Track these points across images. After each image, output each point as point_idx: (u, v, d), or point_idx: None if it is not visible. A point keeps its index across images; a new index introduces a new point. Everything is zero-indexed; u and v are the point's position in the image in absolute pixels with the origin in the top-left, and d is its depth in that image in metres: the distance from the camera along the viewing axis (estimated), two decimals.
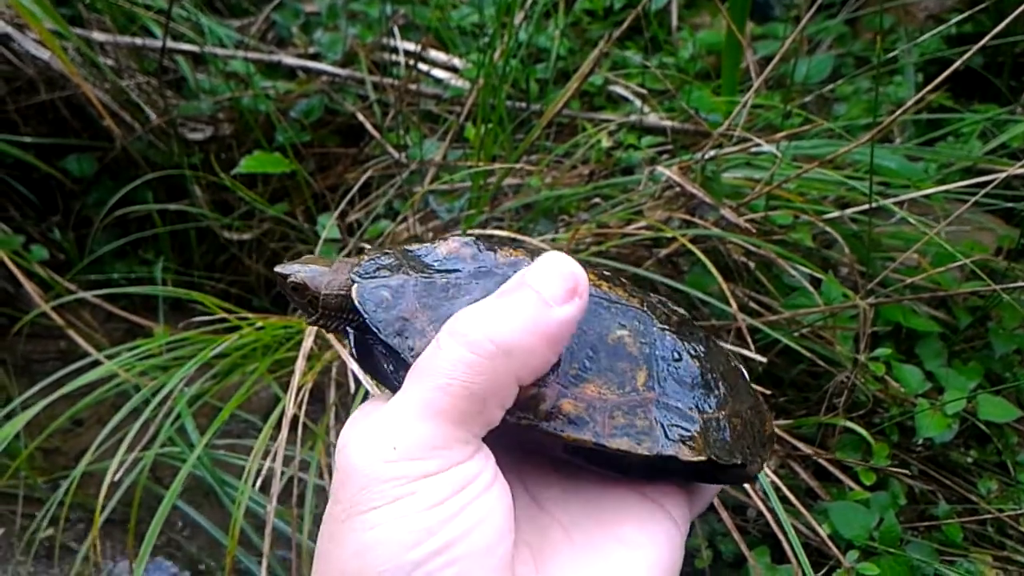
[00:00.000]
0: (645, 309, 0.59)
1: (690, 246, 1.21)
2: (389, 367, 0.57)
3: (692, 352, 0.59)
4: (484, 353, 0.50)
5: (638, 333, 0.57)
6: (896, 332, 1.32)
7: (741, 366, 0.64)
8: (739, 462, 0.57)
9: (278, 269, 0.60)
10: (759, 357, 1.16)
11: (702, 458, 0.55)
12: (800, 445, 1.19)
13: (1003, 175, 1.23)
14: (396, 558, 0.48)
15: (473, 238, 0.59)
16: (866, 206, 1.30)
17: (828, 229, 1.30)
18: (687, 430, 0.55)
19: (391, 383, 0.57)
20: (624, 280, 0.61)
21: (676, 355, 0.58)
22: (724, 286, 1.18)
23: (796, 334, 1.26)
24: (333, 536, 0.50)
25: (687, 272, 1.30)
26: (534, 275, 0.52)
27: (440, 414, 0.50)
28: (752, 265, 1.30)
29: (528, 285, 0.52)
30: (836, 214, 1.35)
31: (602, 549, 0.55)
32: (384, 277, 0.57)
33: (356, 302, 0.56)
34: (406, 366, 0.53)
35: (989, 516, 1.17)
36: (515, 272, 0.55)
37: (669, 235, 1.22)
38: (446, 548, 0.48)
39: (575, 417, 0.54)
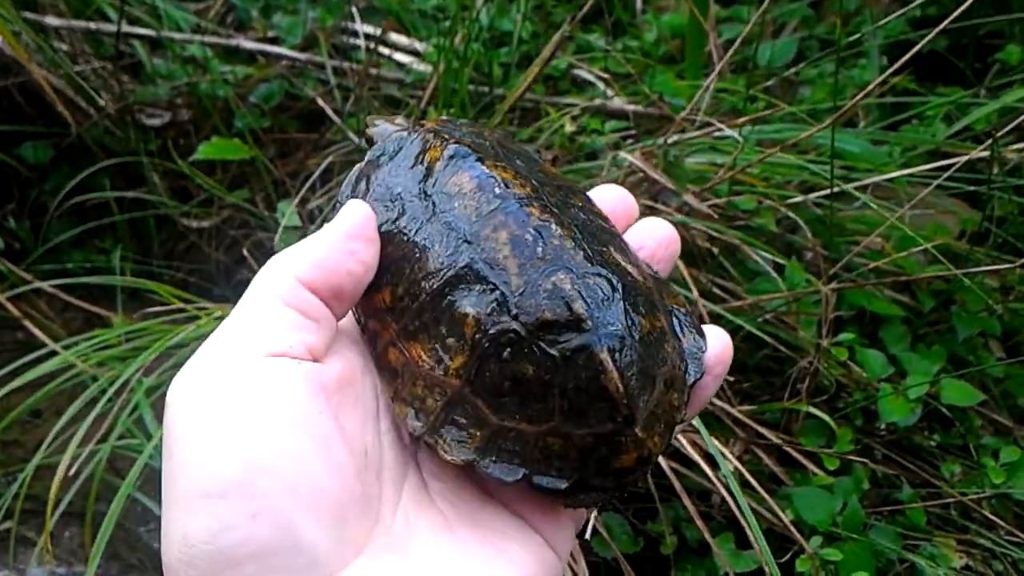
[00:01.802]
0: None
1: None
2: None
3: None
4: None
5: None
6: (860, 317, 1.32)
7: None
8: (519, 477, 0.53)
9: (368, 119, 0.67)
10: None
11: (457, 461, 0.53)
12: (763, 431, 1.18)
13: (965, 158, 1.23)
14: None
15: (480, 170, 0.59)
16: (829, 190, 1.30)
17: (791, 214, 1.30)
18: (468, 435, 0.54)
19: None
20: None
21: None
22: (686, 272, 1.17)
23: (759, 320, 1.26)
24: None
25: None
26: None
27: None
28: (715, 251, 1.29)
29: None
30: (799, 199, 1.34)
31: (478, 553, 0.54)
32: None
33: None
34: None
35: (952, 500, 1.17)
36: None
37: None
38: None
39: (392, 368, 0.55)
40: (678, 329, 0.60)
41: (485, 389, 0.52)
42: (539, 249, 0.53)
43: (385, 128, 0.65)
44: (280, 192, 1.65)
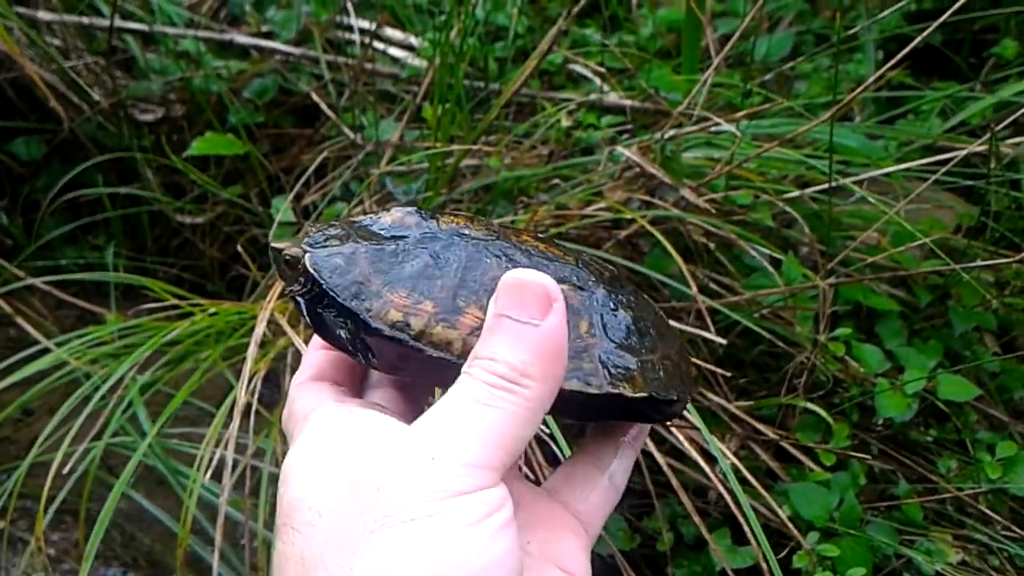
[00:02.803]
0: (579, 266, 0.62)
1: (649, 227, 1.20)
2: (345, 333, 0.59)
3: (624, 303, 0.62)
4: (509, 384, 0.51)
5: (576, 287, 0.60)
6: (856, 312, 1.32)
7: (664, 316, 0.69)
8: (674, 398, 0.61)
9: (273, 244, 0.63)
10: (719, 339, 1.15)
11: (643, 394, 0.58)
12: (760, 427, 1.18)
13: (963, 152, 1.23)
14: None
15: (415, 207, 0.62)
16: (826, 185, 1.30)
17: (788, 209, 1.29)
18: (628, 371, 0.58)
19: (348, 349, 0.59)
20: (558, 243, 0.65)
21: (611, 306, 0.61)
22: (684, 267, 1.17)
23: (756, 315, 1.25)
24: (358, 550, 0.47)
25: (647, 254, 1.29)
26: (503, 303, 0.52)
27: (480, 430, 0.49)
28: (712, 246, 1.29)
29: (503, 315, 0.51)
30: (796, 193, 1.34)
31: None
32: (335, 246, 0.59)
33: (311, 270, 0.58)
34: (366, 328, 0.56)
35: (948, 495, 1.17)
36: (459, 237, 0.59)
37: (628, 216, 1.20)
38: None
39: None
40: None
41: (617, 335, 0.60)
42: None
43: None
44: (274, 188, 1.64)
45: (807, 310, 1.24)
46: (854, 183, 1.29)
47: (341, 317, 0.59)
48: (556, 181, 1.40)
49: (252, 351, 1.11)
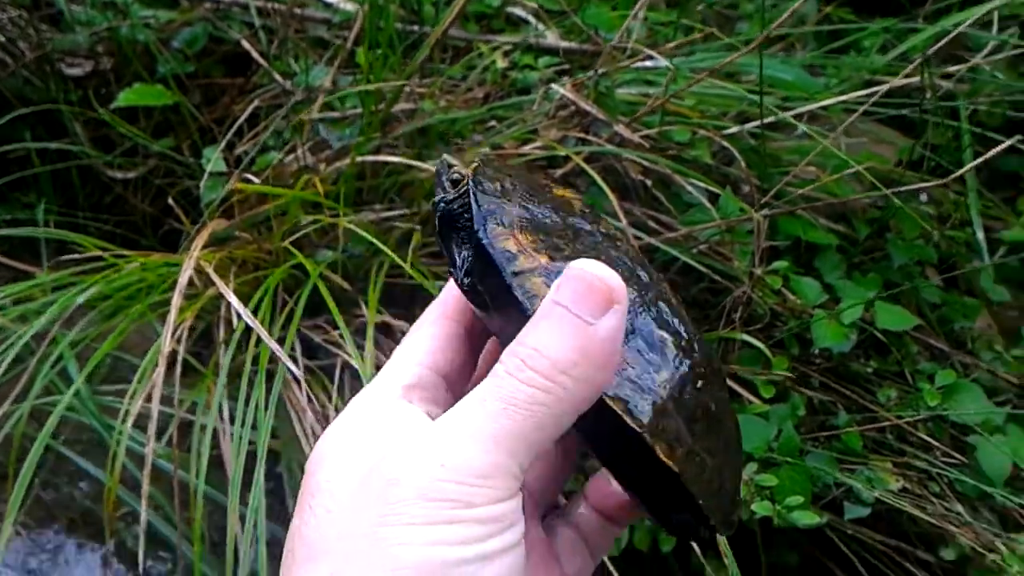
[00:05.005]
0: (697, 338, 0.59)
1: (583, 165, 1.18)
2: (464, 254, 0.57)
3: (709, 392, 0.58)
4: (544, 381, 0.47)
5: (682, 348, 0.57)
6: (796, 247, 1.31)
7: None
8: (701, 505, 0.55)
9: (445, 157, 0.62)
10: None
11: (671, 464, 0.53)
12: None
13: (896, 80, 1.22)
14: None
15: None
16: (764, 120, 1.28)
17: (726, 144, 1.28)
18: (676, 436, 0.54)
19: (458, 272, 0.57)
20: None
21: (695, 385, 0.57)
22: (616, 205, 1.15)
23: (694, 251, 1.24)
24: (360, 543, 0.46)
25: (584, 192, 1.27)
26: (563, 292, 0.48)
27: (493, 438, 0.46)
28: (649, 183, 1.27)
29: (558, 304, 0.48)
30: (735, 129, 1.32)
31: None
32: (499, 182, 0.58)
33: (470, 181, 0.57)
34: (479, 245, 0.54)
35: (888, 423, 1.17)
36: (607, 238, 0.58)
37: (563, 154, 1.18)
38: None
39: None
40: None
41: (683, 411, 0.54)
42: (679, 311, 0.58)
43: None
44: (207, 139, 1.60)
45: (745, 244, 1.23)
46: (793, 116, 1.28)
47: (468, 241, 0.57)
48: (493, 123, 1.37)
49: (176, 301, 1.08)
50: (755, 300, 1.18)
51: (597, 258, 0.50)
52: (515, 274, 0.52)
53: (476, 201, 0.55)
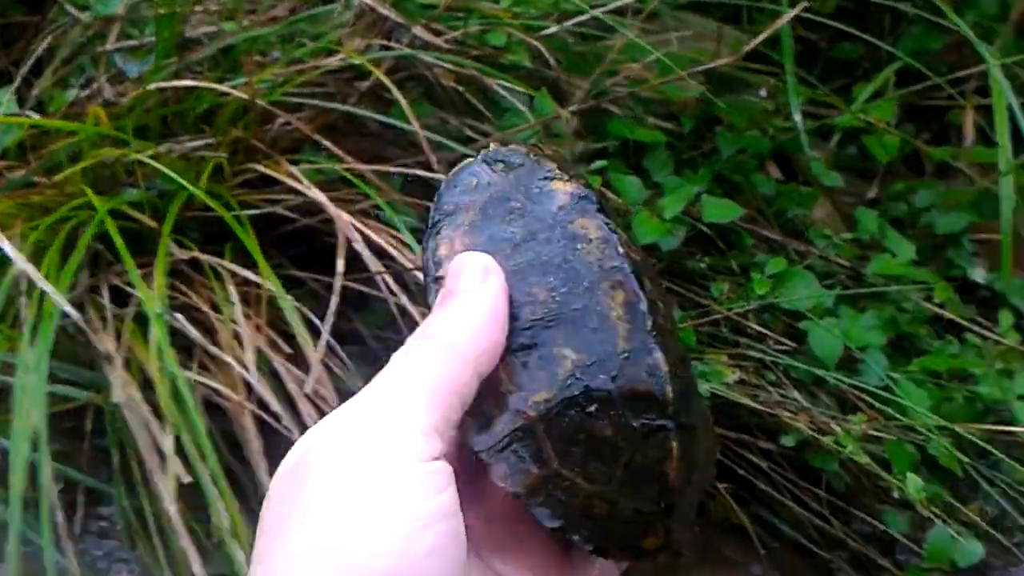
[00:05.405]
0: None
1: (383, 78, 1.11)
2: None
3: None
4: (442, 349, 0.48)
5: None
6: (625, 148, 1.28)
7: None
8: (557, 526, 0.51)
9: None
10: None
11: (508, 488, 0.50)
12: None
13: None
14: None
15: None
16: (585, 16, 1.24)
17: (538, 45, 1.22)
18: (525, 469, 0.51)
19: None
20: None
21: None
22: (412, 118, 1.08)
23: None
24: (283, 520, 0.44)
25: (395, 104, 1.20)
26: (448, 282, 0.50)
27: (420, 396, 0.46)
28: (462, 90, 1.21)
29: (447, 290, 0.50)
30: (554, 28, 1.27)
31: None
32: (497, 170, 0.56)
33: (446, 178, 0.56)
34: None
35: (720, 315, 1.15)
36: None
37: (357, 61, 1.11)
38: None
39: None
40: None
41: (558, 433, 0.51)
42: (647, 323, 0.52)
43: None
44: (4, 82, 1.49)
45: (564, 146, 1.19)
46: (609, 12, 1.24)
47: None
48: (301, 40, 1.29)
49: None
50: None
51: (530, 263, 0.51)
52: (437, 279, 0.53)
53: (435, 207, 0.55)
